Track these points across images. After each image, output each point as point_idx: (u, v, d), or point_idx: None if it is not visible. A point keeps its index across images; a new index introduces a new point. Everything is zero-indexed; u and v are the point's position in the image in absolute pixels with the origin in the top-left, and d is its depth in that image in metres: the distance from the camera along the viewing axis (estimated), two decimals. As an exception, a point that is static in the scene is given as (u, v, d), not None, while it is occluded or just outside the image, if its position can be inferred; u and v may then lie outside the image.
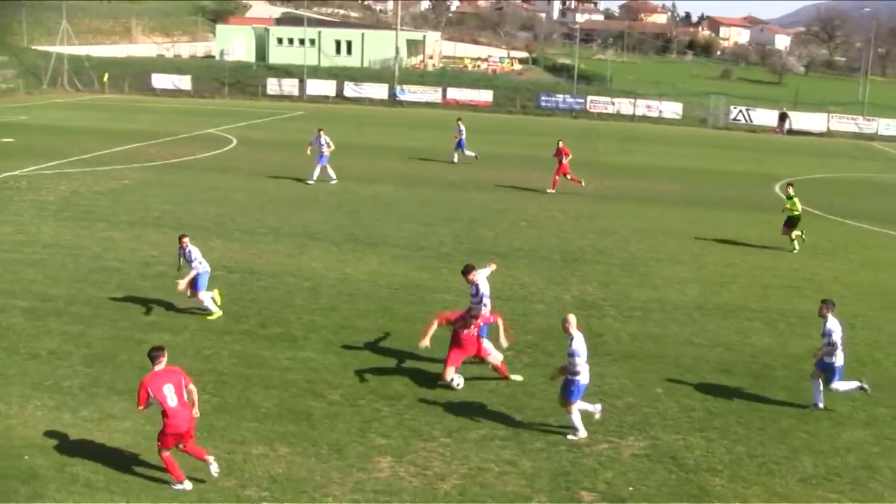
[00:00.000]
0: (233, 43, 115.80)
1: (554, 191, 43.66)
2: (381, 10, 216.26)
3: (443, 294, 26.12)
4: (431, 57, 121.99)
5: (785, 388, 20.02)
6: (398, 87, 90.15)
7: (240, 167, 47.10)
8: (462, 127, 51.94)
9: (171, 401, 14.65)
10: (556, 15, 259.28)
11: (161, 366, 14.97)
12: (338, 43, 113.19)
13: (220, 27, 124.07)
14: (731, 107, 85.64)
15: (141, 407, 14.81)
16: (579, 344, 17.05)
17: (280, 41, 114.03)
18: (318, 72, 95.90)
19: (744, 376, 20.72)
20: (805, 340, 22.99)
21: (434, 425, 17.46)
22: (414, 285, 27.04)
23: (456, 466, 15.88)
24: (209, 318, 23.36)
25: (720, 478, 15.86)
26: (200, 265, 23.47)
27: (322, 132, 43.98)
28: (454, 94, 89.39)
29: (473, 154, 51.97)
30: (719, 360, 21.70)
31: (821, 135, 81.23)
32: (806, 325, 24.23)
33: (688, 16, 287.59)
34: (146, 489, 14.76)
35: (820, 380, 18.98)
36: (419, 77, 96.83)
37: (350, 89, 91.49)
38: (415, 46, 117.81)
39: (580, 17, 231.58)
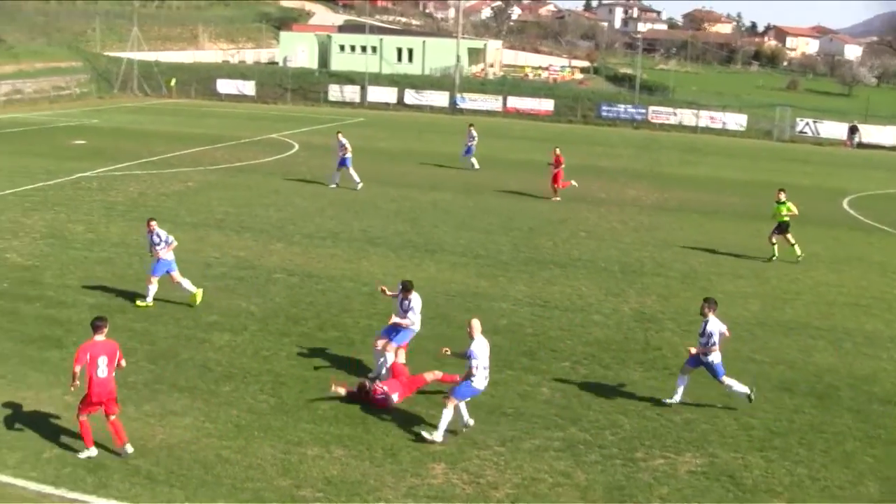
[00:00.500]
0: (296, 49, 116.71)
1: (559, 198, 43.89)
2: (442, 17, 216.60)
3: (500, 302, 26.26)
4: (492, 65, 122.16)
5: (850, 410, 19.60)
6: (458, 95, 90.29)
7: (301, 172, 47.62)
8: (475, 133, 51.86)
9: (102, 371, 15.59)
10: (618, 24, 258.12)
11: (101, 336, 15.84)
12: (399, 50, 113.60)
13: (283, 34, 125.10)
14: (798, 119, 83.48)
15: (77, 367, 15.64)
16: (478, 347, 17.18)
17: (342, 48, 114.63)
18: (379, 79, 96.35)
19: (806, 396, 20.35)
20: (872, 361, 22.71)
21: (489, 434, 17.58)
22: (471, 293, 27.22)
23: (509, 476, 15.99)
24: (139, 303, 24.36)
25: (779, 500, 15.67)
26: (164, 250, 24.37)
27: (340, 134, 44.88)
28: (514, 102, 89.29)
29: (477, 165, 51.74)
30: (781, 378, 21.37)
31: (893, 148, 79.22)
32: (873, 346, 23.92)
33: (753, 25, 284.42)
34: (204, 484, 15.12)
35: (687, 376, 19.24)
36: (480, 85, 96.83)
37: (411, 96, 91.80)
38: (476, 54, 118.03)
39: (642, 27, 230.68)
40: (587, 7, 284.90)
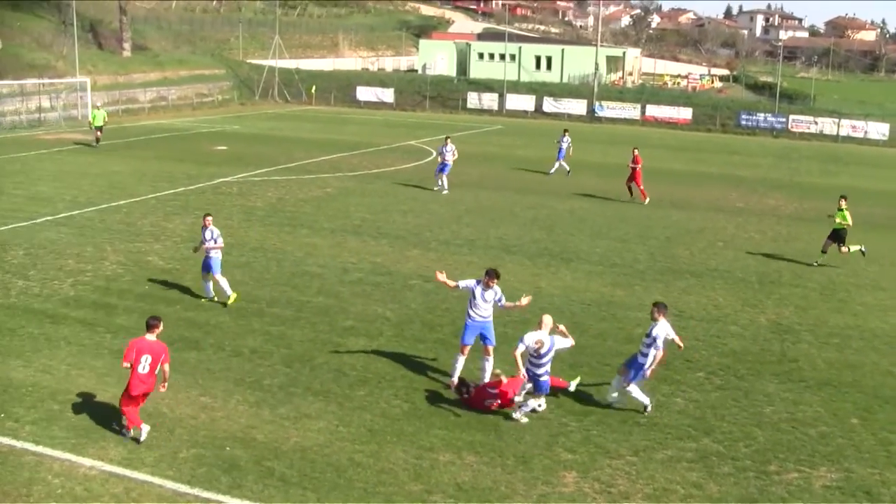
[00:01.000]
0: (435, 57, 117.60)
1: (646, 201, 43.78)
2: (581, 26, 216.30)
3: (636, 312, 25.90)
4: (631, 73, 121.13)
5: None
6: (597, 103, 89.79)
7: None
8: (568, 139, 51.92)
9: (143, 368, 16.23)
10: (758, 32, 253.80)
11: (152, 336, 16.51)
12: (538, 58, 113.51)
13: (423, 42, 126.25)
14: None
15: (125, 364, 16.34)
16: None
17: (481, 56, 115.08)
18: (517, 87, 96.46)
19: (950, 412, 19.66)
20: None
21: (621, 443, 17.36)
22: (607, 302, 26.93)
23: (641, 486, 15.75)
24: (229, 302, 25.03)
25: (919, 517, 15.11)
26: (215, 245, 25.00)
27: (449, 140, 44.80)
28: (653, 111, 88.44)
29: (554, 170, 51.82)
30: (922, 393, 20.69)
31: None
32: None
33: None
34: (336, 487, 15.20)
35: (622, 376, 18.64)
36: (618, 93, 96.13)
37: (549, 104, 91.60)
38: (614, 63, 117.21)
39: (783, 34, 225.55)
40: (727, 15, 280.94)
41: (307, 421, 17.74)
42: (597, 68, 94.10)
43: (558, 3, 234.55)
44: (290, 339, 22.53)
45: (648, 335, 18.56)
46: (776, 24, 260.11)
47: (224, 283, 25.07)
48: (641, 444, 17.32)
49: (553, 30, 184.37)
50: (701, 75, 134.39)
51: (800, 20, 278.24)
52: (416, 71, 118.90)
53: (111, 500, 14.62)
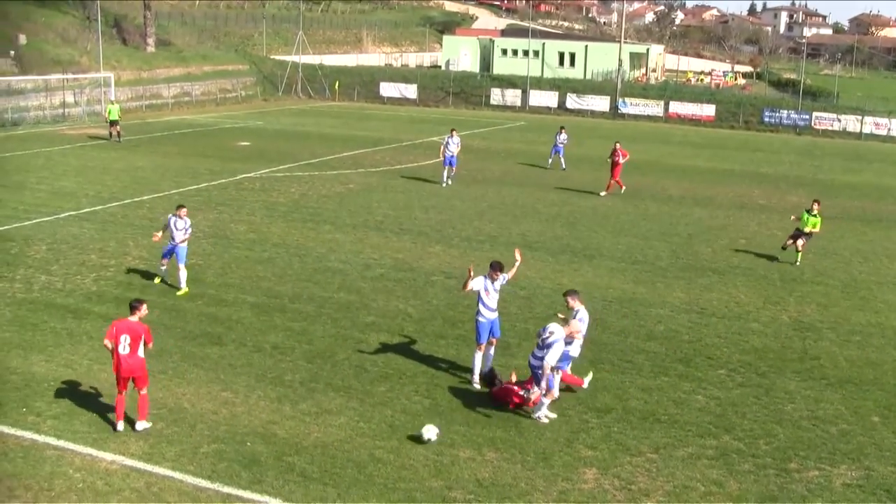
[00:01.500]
0: (458, 53, 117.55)
1: (623, 189, 44.21)
2: (604, 22, 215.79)
3: (657, 308, 25.88)
4: (654, 70, 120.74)
5: None
6: (620, 100, 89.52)
7: (461, 175, 47.74)
8: (564, 136, 52.40)
9: (124, 349, 16.41)
10: (782, 29, 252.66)
11: (133, 318, 16.68)
12: (561, 55, 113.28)
13: (446, 38, 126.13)
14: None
15: (107, 342, 16.59)
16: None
17: (504, 52, 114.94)
18: (540, 83, 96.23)
19: (974, 411, 19.54)
20: None
21: (641, 440, 17.34)
22: (628, 299, 26.89)
23: (661, 483, 15.73)
24: (179, 294, 25.51)
25: (942, 516, 15.02)
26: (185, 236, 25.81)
27: (455, 132, 45.40)
28: (676, 107, 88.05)
29: (550, 163, 52.92)
30: (944, 392, 20.57)
31: None
32: None
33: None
34: (356, 483, 15.24)
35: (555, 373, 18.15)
36: (642, 90, 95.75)
37: (572, 101, 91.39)
38: (638, 59, 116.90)
39: (808, 31, 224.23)
40: (751, 11, 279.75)
41: (328, 417, 17.79)
42: (620, 65, 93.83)
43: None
44: (312, 335, 22.59)
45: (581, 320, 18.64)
46: (800, 20, 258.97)
47: (184, 275, 25.68)
48: (662, 442, 17.29)
49: (577, 26, 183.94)
50: (724, 72, 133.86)
51: (824, 17, 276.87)
52: (440, 67, 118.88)
53: (132, 494, 14.70)
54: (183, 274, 25.59)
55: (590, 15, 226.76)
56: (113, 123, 57.02)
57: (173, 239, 25.61)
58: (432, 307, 25.30)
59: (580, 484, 15.56)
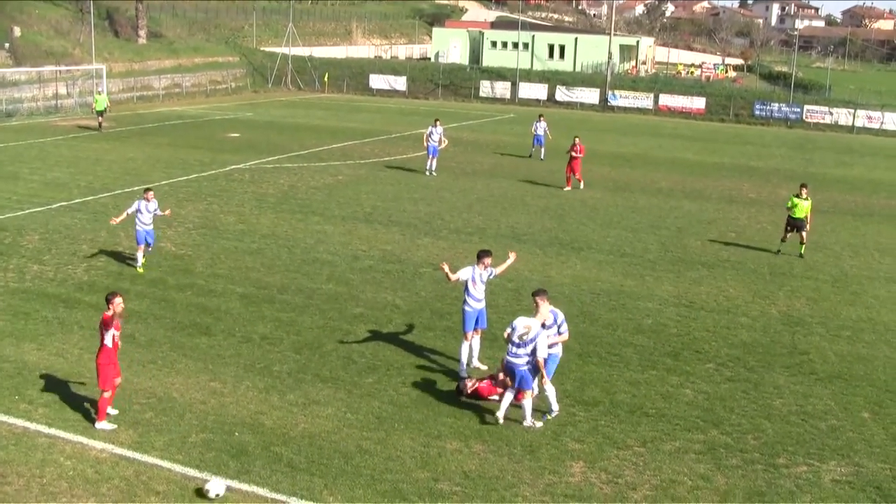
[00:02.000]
0: (448, 45, 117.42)
1: (581, 185, 43.71)
2: (594, 14, 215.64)
3: (645, 302, 25.94)
4: (644, 63, 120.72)
5: None
6: (610, 93, 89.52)
7: (450, 167, 47.83)
8: (543, 124, 53.14)
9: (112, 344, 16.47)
10: (774, 21, 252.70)
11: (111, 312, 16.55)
12: (551, 47, 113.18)
13: (436, 30, 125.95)
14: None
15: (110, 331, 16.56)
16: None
17: (494, 44, 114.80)
18: (530, 75, 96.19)
19: (962, 406, 19.57)
20: None
21: (629, 433, 17.39)
22: (617, 291, 26.95)
23: (648, 477, 15.78)
24: (139, 269, 26.71)
25: (930, 513, 15.06)
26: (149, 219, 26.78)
27: (438, 122, 45.92)
28: (666, 100, 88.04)
29: (531, 153, 53.71)
30: (934, 387, 20.59)
31: None
32: None
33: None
34: (343, 474, 15.29)
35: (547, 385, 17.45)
36: (631, 83, 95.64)
37: (562, 93, 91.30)
38: (628, 51, 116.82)
39: (800, 24, 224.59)
40: (742, 4, 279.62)
41: (316, 407, 17.84)
42: (610, 57, 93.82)
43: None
44: (300, 325, 22.64)
45: (555, 323, 17.86)
46: (792, 13, 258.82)
47: (141, 257, 26.85)
48: (649, 435, 17.34)
49: (566, 18, 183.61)
50: (715, 65, 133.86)
51: (816, 9, 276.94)
52: (430, 59, 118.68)
53: (121, 482, 14.75)
54: (141, 257, 26.87)
55: (580, 7, 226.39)
56: (100, 114, 57.22)
57: (143, 223, 26.43)
58: (420, 299, 25.36)
59: (567, 477, 15.61)
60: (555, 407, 17.57)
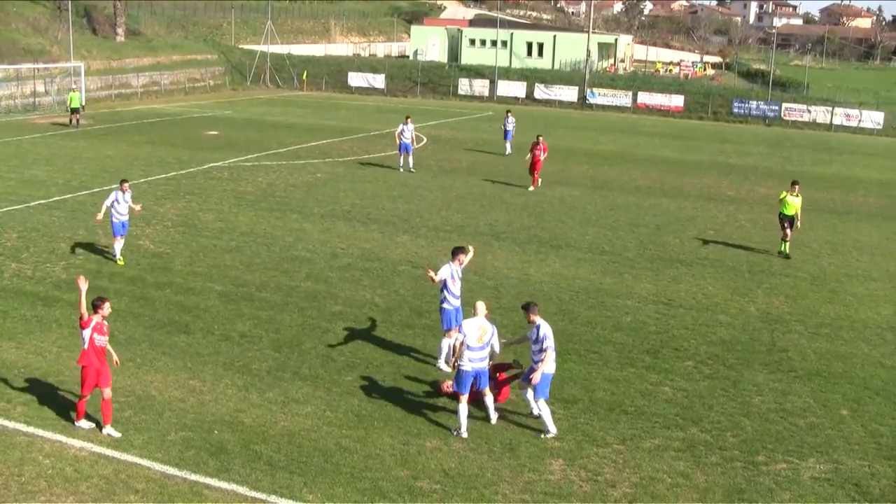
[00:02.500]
0: (427, 43, 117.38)
1: (538, 184, 43.34)
2: (573, 12, 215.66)
3: (624, 300, 26.01)
4: (623, 60, 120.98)
5: None
6: (588, 90, 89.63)
7: (429, 165, 47.84)
8: (511, 119, 53.76)
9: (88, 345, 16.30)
10: (752, 19, 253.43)
11: (98, 316, 16.31)
12: (529, 45, 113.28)
13: (415, 28, 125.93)
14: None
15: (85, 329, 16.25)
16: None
17: (472, 42, 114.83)
18: (508, 73, 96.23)
19: (939, 403, 19.65)
20: None
21: (608, 431, 17.44)
22: (595, 289, 27.00)
23: (627, 474, 15.82)
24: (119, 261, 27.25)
25: (908, 509, 15.12)
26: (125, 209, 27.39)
27: (410, 119, 46.33)
28: (645, 98, 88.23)
29: (508, 149, 53.66)
30: (912, 384, 20.68)
31: None
32: None
33: (895, 19, 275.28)
34: (323, 472, 15.29)
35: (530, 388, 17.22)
36: (610, 80, 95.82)
37: (540, 91, 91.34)
38: (606, 49, 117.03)
39: (778, 22, 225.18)
40: (721, 2, 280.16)
41: (295, 405, 17.82)
42: (588, 55, 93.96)
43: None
44: (279, 323, 22.61)
45: (536, 339, 17.10)
46: (770, 11, 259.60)
47: (120, 247, 27.34)
48: (628, 433, 17.39)
49: (545, 16, 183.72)
50: (693, 62, 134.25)
51: (794, 7, 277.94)
52: (408, 57, 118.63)
53: (100, 481, 14.71)
54: (120, 247, 27.37)
55: (558, 5, 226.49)
56: (74, 111, 57.10)
57: (120, 214, 26.92)
58: (399, 297, 25.36)
59: (546, 475, 15.64)
60: (552, 429, 17.10)
